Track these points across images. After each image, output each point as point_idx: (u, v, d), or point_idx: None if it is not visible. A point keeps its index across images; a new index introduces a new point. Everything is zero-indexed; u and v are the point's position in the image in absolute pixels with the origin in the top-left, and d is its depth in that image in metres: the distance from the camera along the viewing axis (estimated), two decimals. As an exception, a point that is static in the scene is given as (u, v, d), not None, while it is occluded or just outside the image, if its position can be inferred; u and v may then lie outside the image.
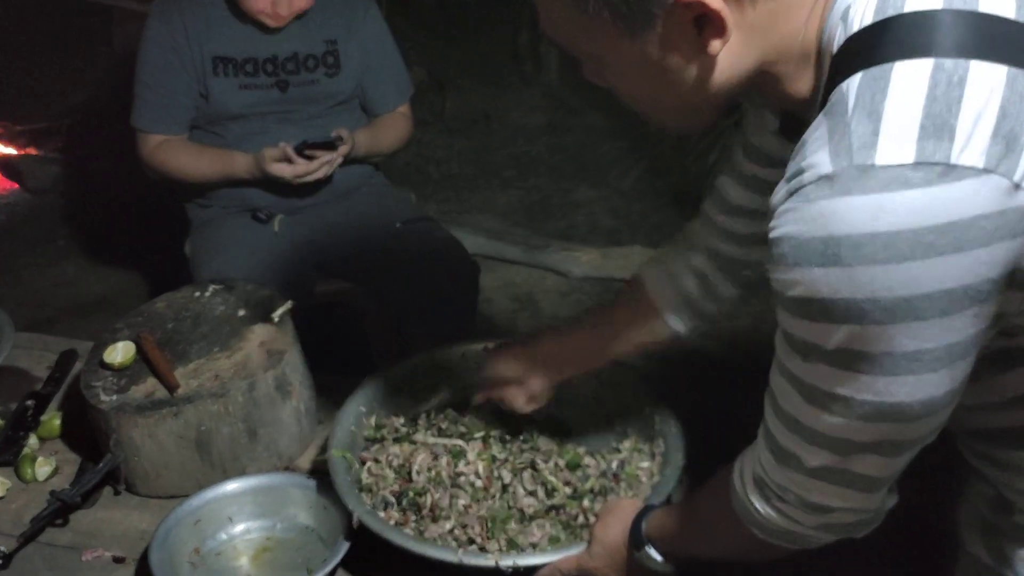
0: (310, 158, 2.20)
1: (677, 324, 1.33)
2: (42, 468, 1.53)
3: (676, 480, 1.30)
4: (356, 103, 2.39)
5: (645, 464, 1.40)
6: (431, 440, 1.43)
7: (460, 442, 1.41)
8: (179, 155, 2.27)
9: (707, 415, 1.44)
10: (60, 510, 1.42)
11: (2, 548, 1.38)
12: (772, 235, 0.78)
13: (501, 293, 3.27)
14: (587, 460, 1.41)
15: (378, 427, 1.47)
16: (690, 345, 1.43)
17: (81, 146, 4.16)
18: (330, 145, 2.20)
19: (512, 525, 1.30)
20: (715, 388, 2.20)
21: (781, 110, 0.95)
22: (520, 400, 1.43)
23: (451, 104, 4.51)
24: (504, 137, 4.33)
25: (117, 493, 1.50)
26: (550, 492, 1.34)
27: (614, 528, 1.20)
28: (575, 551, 1.22)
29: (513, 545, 1.27)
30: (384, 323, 2.45)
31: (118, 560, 1.38)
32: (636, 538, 1.16)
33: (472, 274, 2.31)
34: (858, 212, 0.72)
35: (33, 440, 1.60)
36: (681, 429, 1.38)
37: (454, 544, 1.27)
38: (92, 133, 4.15)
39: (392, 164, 3.85)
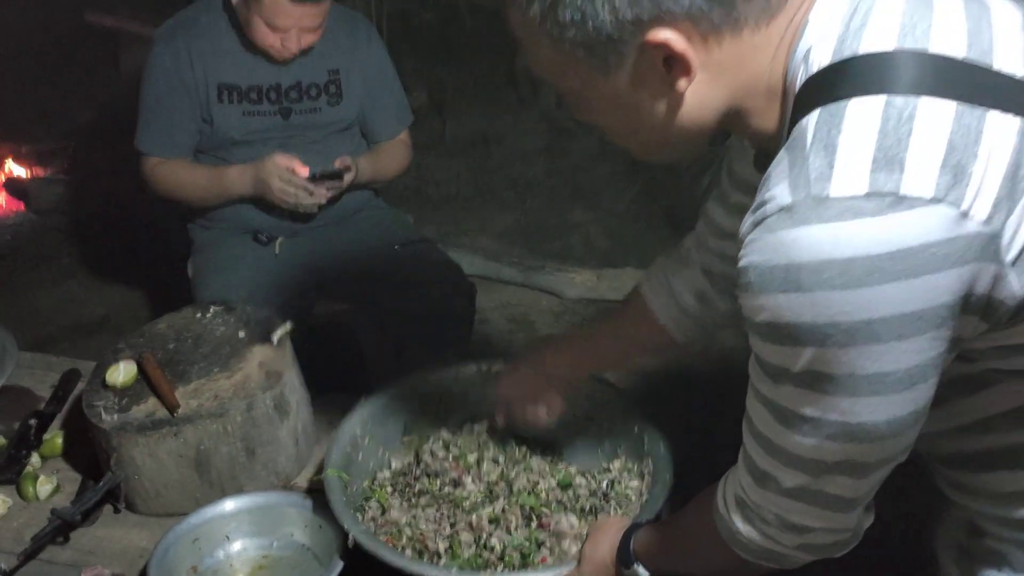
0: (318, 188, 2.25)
1: (677, 334, 1.37)
2: (44, 487, 1.56)
3: (664, 498, 1.33)
4: (357, 130, 2.44)
5: (634, 483, 1.43)
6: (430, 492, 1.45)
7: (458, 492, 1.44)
8: (176, 172, 2.31)
9: (695, 434, 1.48)
10: (61, 528, 1.45)
11: (3, 566, 1.41)
12: (740, 264, 0.82)
13: (497, 314, 3.31)
14: (578, 480, 1.45)
15: (373, 482, 1.49)
16: (679, 365, 1.48)
17: (86, 167, 4.21)
18: (337, 175, 2.25)
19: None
20: (703, 407, 2.23)
21: (755, 144, 1.00)
22: (538, 415, 1.48)
23: (450, 127, 4.57)
24: (502, 160, 4.38)
25: (117, 511, 1.53)
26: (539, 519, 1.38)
27: (603, 546, 1.23)
28: (565, 570, 1.26)
29: (508, 564, 1.30)
30: (382, 344, 2.49)
31: (117, 577, 1.41)
32: (624, 556, 1.19)
33: (469, 295, 2.35)
34: (816, 241, 0.76)
35: (35, 459, 1.63)
36: (669, 448, 1.41)
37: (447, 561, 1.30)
38: (97, 154, 4.19)
39: (392, 186, 3.88)
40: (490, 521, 1.36)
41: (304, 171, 2.22)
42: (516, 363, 1.52)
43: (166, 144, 2.29)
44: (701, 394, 2.46)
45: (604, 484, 1.43)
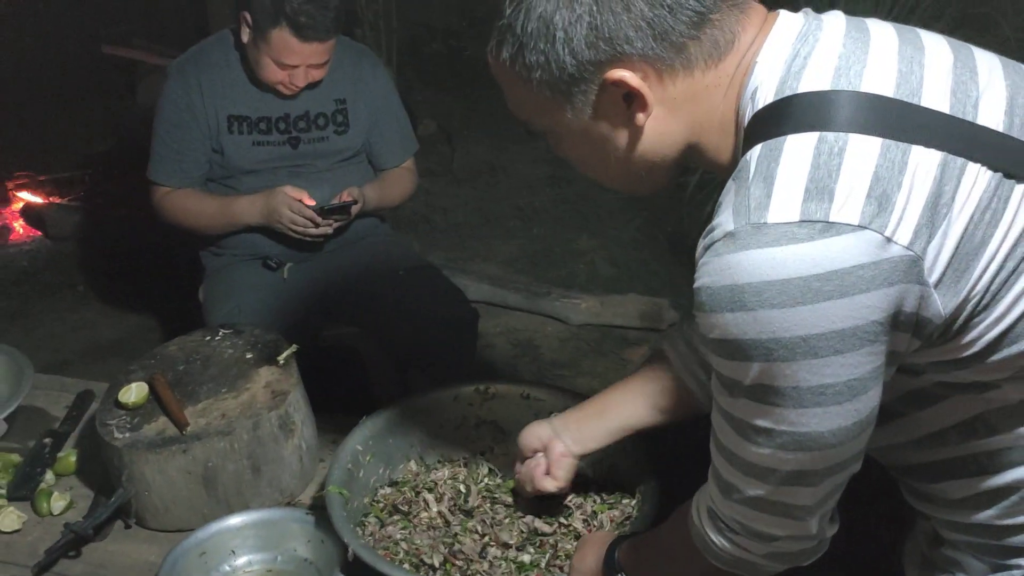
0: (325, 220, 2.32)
1: (704, 398, 1.33)
2: (57, 502, 1.62)
3: (652, 517, 1.37)
4: (363, 158, 2.51)
5: (625, 501, 1.47)
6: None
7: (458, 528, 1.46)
8: (186, 201, 2.38)
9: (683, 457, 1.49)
10: (73, 542, 1.51)
11: (18, 578, 1.46)
12: (694, 285, 0.90)
13: (502, 339, 3.36)
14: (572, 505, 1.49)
15: (374, 498, 1.52)
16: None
17: (102, 195, 4.29)
18: (345, 209, 2.32)
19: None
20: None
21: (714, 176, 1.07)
22: (545, 486, 1.40)
23: (458, 155, 4.64)
24: (509, 188, 4.45)
25: (128, 527, 1.58)
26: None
27: (590, 557, 1.28)
28: None
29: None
30: (386, 366, 2.54)
31: (127, 590, 1.46)
32: (610, 566, 1.23)
33: (471, 320, 2.40)
34: (755, 263, 0.83)
35: (49, 476, 1.68)
36: (656, 485, 1.41)
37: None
38: (112, 183, 4.29)
39: (399, 213, 3.96)
40: (482, 536, 1.40)
41: (311, 203, 2.28)
42: (542, 421, 1.44)
43: (177, 174, 2.36)
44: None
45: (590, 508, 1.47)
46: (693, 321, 1.33)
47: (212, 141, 2.34)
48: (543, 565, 1.37)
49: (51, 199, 4.38)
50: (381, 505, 1.50)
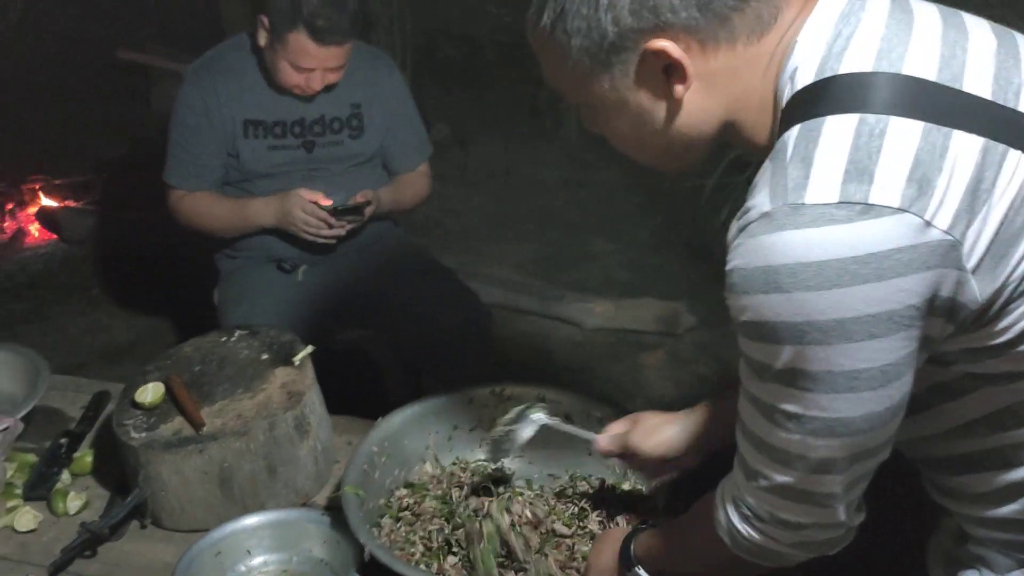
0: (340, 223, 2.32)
1: None
2: (73, 502, 1.62)
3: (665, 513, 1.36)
4: (378, 162, 2.51)
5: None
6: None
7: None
8: (201, 203, 2.38)
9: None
10: (89, 542, 1.51)
11: (33, 578, 1.46)
12: (727, 268, 0.88)
13: (515, 343, 3.35)
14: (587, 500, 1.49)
15: (390, 499, 1.52)
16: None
17: (117, 199, 4.31)
18: (358, 210, 2.32)
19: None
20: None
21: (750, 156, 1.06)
22: (665, 470, 1.38)
23: (472, 159, 4.64)
24: (522, 191, 4.44)
25: (144, 527, 1.58)
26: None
27: (606, 553, 1.27)
28: None
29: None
30: (400, 369, 2.54)
31: (142, 589, 1.46)
32: (626, 559, 1.22)
33: (485, 323, 2.40)
34: (792, 245, 0.82)
35: (66, 476, 1.69)
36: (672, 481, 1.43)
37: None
38: (128, 186, 4.30)
39: (413, 217, 3.96)
40: (499, 537, 1.40)
41: (327, 203, 2.29)
42: (669, 429, 1.35)
43: (193, 177, 2.37)
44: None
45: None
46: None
47: (228, 145, 2.34)
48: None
49: (66, 203, 4.40)
50: (396, 506, 1.50)
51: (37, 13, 5.39)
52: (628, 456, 1.37)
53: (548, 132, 4.78)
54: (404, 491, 1.53)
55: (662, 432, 1.33)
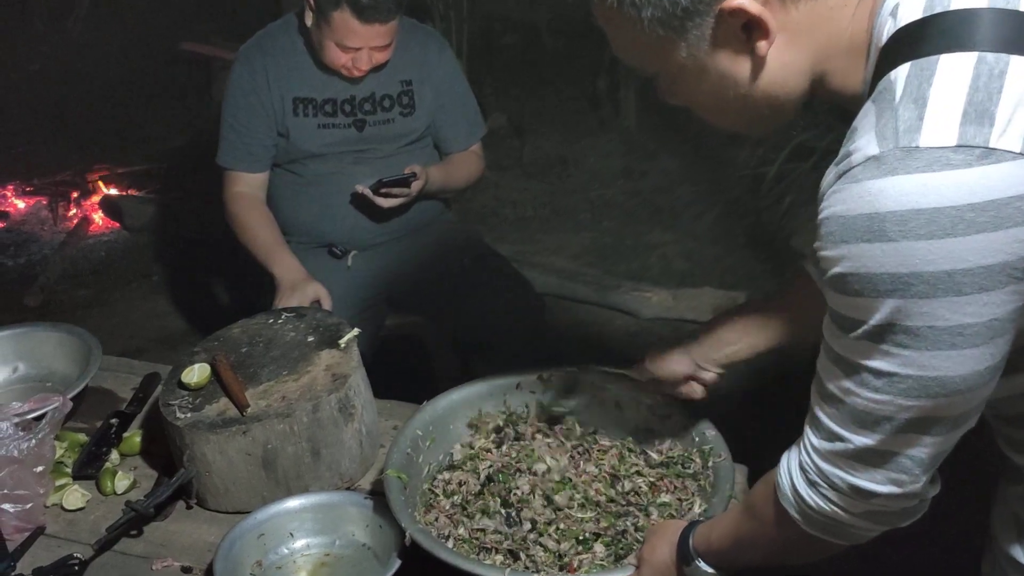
0: (387, 196, 2.29)
1: None
2: (121, 482, 1.62)
3: (723, 509, 1.31)
4: (429, 141, 2.48)
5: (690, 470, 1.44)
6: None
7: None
8: (248, 215, 2.35)
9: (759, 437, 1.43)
10: (134, 521, 1.50)
11: (78, 555, 1.46)
12: (821, 216, 0.83)
13: (571, 332, 3.30)
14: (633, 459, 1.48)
15: (433, 483, 1.50)
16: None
17: (177, 188, 4.38)
18: (404, 182, 2.29)
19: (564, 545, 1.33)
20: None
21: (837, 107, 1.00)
22: (698, 392, 1.42)
23: (528, 149, 4.60)
24: (580, 181, 4.39)
25: (189, 508, 1.57)
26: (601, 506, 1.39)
27: (661, 548, 1.22)
28: (622, 574, 1.25)
29: (562, 566, 1.30)
30: (450, 356, 2.51)
31: (186, 570, 1.45)
32: (684, 553, 1.17)
33: (537, 309, 2.36)
34: (903, 190, 0.77)
35: (115, 456, 1.69)
36: (731, 461, 1.39)
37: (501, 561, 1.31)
38: (188, 176, 4.37)
39: (468, 206, 3.95)
40: (547, 524, 1.36)
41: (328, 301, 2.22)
42: (673, 352, 1.42)
43: (245, 159, 2.36)
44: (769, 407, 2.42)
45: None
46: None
47: (278, 124, 2.34)
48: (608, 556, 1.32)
49: (128, 191, 4.49)
50: (441, 490, 1.47)
51: (104, 8, 5.51)
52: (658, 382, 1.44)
53: (606, 121, 4.72)
54: (447, 475, 1.49)
55: (665, 358, 1.41)
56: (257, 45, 2.36)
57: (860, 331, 0.84)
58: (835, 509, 0.96)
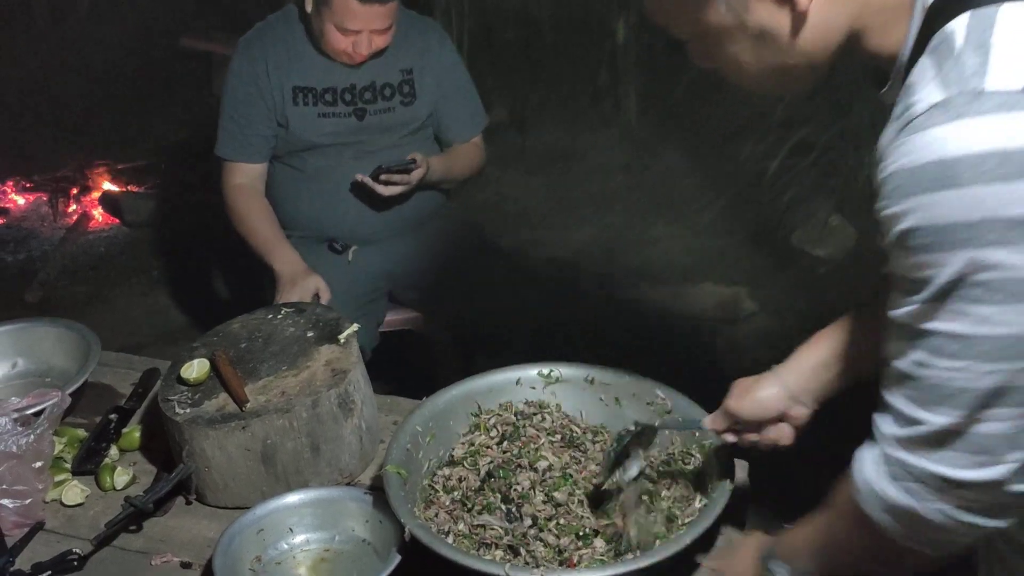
0: (387, 183, 2.28)
1: None
2: (120, 477, 1.62)
3: (723, 503, 1.29)
4: (429, 132, 2.47)
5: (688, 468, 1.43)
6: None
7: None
8: (247, 205, 2.35)
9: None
10: (133, 516, 1.50)
11: (77, 550, 1.45)
12: (882, 175, 0.81)
13: (573, 327, 3.28)
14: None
15: (433, 479, 1.48)
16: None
17: (177, 183, 4.37)
18: (405, 169, 2.28)
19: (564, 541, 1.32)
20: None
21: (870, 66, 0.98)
22: (787, 436, 1.27)
23: (530, 143, 4.58)
24: (581, 175, 4.37)
25: (188, 503, 1.57)
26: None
27: (744, 560, 1.19)
28: (622, 569, 1.24)
29: (562, 562, 1.29)
30: (451, 351, 2.50)
31: (185, 566, 1.44)
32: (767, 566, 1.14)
33: (539, 305, 2.35)
34: (973, 133, 0.76)
35: (114, 451, 1.68)
36: (731, 455, 1.38)
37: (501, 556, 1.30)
38: (187, 171, 4.36)
39: (470, 201, 3.93)
40: (548, 519, 1.35)
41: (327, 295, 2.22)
42: (765, 383, 1.25)
43: (245, 150, 2.35)
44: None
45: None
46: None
47: (277, 114, 2.32)
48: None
49: (128, 187, 4.48)
50: (440, 486, 1.46)
51: (105, 3, 5.49)
52: (739, 429, 1.28)
53: (608, 115, 4.70)
54: (447, 470, 1.48)
55: (753, 393, 1.24)
56: (257, 35, 2.35)
57: (930, 291, 0.81)
58: (918, 501, 0.90)
